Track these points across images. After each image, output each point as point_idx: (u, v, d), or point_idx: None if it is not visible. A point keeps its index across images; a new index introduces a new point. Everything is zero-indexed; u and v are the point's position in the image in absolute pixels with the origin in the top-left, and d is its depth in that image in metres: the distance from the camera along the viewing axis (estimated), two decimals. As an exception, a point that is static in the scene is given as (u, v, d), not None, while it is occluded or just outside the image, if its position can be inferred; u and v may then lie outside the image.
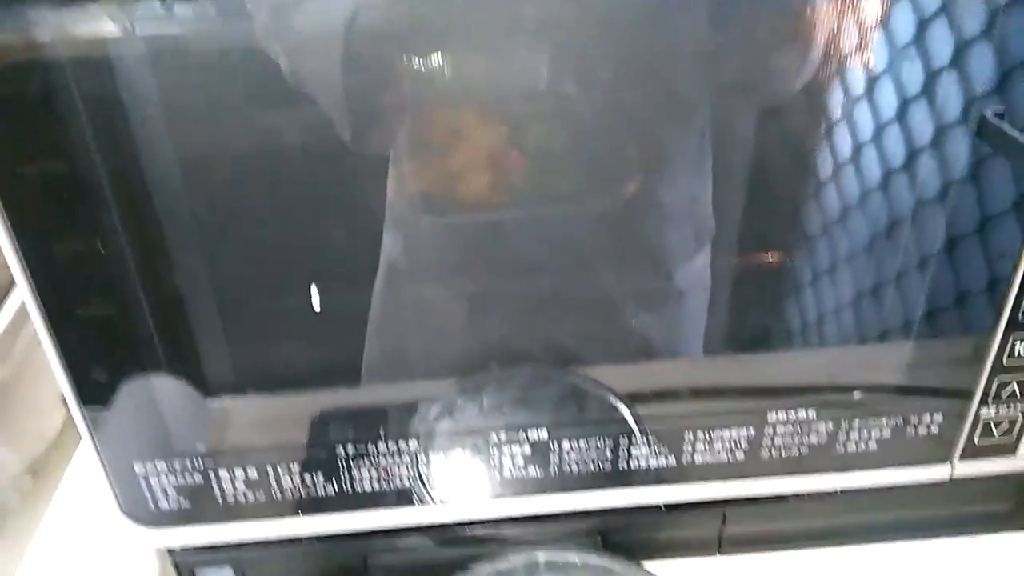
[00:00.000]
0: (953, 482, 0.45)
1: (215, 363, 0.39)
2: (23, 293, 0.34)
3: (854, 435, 0.43)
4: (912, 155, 0.37)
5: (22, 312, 0.47)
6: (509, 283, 0.41)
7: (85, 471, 0.47)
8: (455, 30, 0.33)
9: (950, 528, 0.49)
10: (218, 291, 0.38)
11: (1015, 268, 0.38)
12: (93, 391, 0.37)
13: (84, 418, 0.37)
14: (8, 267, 0.46)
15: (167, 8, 0.31)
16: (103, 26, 0.31)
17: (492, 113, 0.36)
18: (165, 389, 0.38)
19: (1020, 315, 0.39)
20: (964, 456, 0.44)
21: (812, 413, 0.42)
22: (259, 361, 0.41)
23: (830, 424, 0.42)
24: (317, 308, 0.38)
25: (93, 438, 0.38)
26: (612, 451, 0.43)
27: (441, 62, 0.33)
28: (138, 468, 0.39)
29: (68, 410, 0.51)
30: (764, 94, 0.37)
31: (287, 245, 0.38)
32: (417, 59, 0.33)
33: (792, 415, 0.42)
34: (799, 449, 0.43)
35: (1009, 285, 0.38)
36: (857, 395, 0.42)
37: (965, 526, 0.49)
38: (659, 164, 0.39)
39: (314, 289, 0.38)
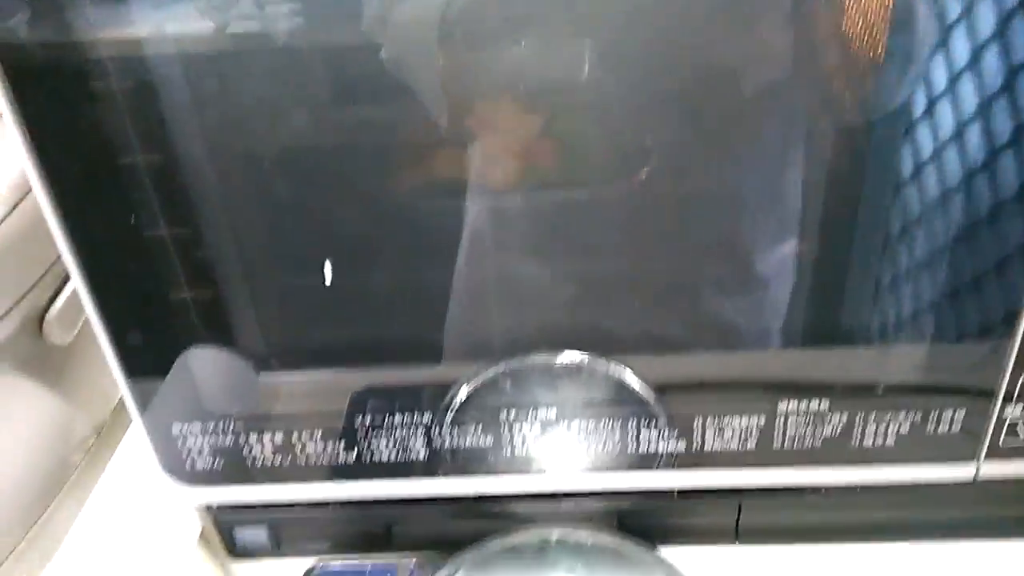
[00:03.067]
0: (977, 483, 0.44)
1: (249, 336, 0.42)
2: (69, 267, 0.38)
3: (871, 429, 0.43)
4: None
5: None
6: (576, 265, 0.42)
7: (139, 436, 0.51)
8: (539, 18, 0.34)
9: (973, 531, 0.48)
10: (253, 263, 0.41)
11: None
12: (134, 357, 0.41)
13: (126, 382, 0.41)
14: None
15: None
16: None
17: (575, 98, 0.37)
18: (201, 356, 0.41)
19: (1046, 311, 0.38)
20: (989, 456, 0.43)
21: (825, 404, 0.42)
22: (293, 335, 0.44)
23: (845, 416, 0.42)
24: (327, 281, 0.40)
25: (135, 402, 0.42)
26: (631, 434, 0.44)
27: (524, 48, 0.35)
28: (175, 429, 0.43)
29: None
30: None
31: (321, 220, 0.41)
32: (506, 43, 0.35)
33: (805, 406, 0.42)
34: (813, 440, 0.43)
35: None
36: (877, 391, 0.42)
37: (989, 529, 0.48)
38: (740, 152, 0.39)
39: (327, 265, 0.40)
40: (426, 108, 0.36)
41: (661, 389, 0.43)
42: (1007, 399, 0.41)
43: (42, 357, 0.49)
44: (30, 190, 0.49)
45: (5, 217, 0.46)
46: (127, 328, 0.40)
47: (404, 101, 0.36)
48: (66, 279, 0.50)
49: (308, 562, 0.48)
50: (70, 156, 0.36)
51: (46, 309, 0.49)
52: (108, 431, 0.55)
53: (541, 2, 0.34)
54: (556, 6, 0.34)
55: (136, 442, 0.51)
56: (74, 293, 0.49)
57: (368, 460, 0.45)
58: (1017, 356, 0.40)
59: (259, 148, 0.38)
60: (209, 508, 0.48)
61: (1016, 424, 0.42)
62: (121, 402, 0.56)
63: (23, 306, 0.47)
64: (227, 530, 0.49)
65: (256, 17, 0.34)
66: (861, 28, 0.34)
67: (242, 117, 0.37)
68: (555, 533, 0.47)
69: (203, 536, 0.49)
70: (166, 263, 0.39)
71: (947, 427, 0.42)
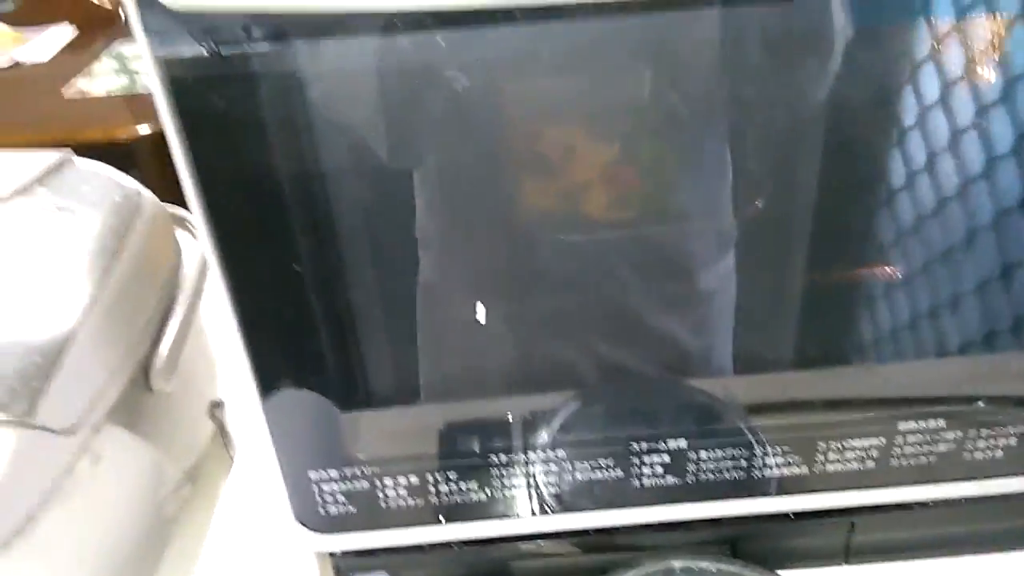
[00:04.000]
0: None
1: (379, 376, 0.42)
2: (223, 302, 0.37)
3: (981, 443, 0.44)
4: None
5: (181, 332, 0.51)
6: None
7: (242, 482, 0.50)
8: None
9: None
10: (384, 308, 0.41)
11: None
12: (274, 398, 0.40)
13: (268, 425, 0.40)
14: (168, 287, 0.50)
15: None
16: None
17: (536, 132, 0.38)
18: (334, 399, 0.41)
19: None
20: (1092, 464, 0.45)
21: (941, 422, 0.44)
22: (416, 375, 0.44)
23: (958, 432, 0.44)
24: (482, 320, 0.41)
25: (275, 446, 0.41)
26: (741, 460, 0.45)
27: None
28: (312, 475, 0.42)
29: (213, 423, 0.54)
30: (788, 104, 0.38)
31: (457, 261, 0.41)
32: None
33: (921, 424, 0.44)
34: (928, 457, 0.45)
35: None
36: (982, 404, 0.44)
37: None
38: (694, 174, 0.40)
39: (480, 305, 0.40)
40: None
41: (777, 408, 0.44)
42: (1108, 409, 0.43)
43: (145, 406, 0.48)
44: (125, 235, 0.49)
45: (110, 269, 0.45)
46: (274, 372, 0.39)
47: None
48: (163, 324, 0.49)
49: (426, 604, 0.48)
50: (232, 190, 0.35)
51: (149, 357, 0.47)
52: (200, 482, 0.53)
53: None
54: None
55: (240, 492, 0.50)
56: (174, 341, 0.48)
57: (493, 498, 0.45)
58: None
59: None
60: (332, 555, 0.47)
61: (1117, 433, 0.44)
62: (209, 448, 0.55)
63: (132, 355, 0.46)
64: (345, 577, 0.48)
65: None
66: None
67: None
68: (678, 563, 0.47)
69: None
70: (313, 304, 0.39)
71: (1052, 437, 0.44)
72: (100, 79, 1.45)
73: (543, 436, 0.44)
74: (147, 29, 0.31)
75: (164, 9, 0.30)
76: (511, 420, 0.44)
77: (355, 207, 0.38)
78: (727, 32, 0.34)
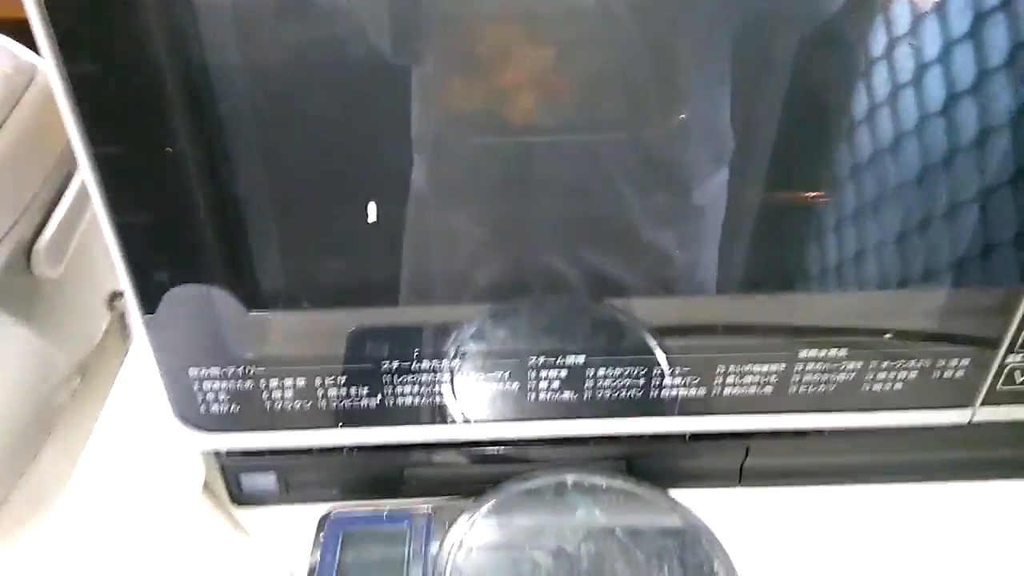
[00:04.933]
0: (974, 427, 0.46)
1: (267, 275, 0.40)
2: (92, 194, 0.35)
3: (882, 375, 0.44)
4: (952, 98, 0.37)
5: (72, 215, 0.48)
6: (538, 205, 0.42)
7: (133, 375, 0.48)
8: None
9: (969, 472, 0.51)
10: (274, 203, 0.39)
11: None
12: (153, 296, 0.38)
13: (144, 322, 0.39)
14: (61, 167, 0.47)
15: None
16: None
17: (534, 33, 0.36)
18: (219, 298, 0.39)
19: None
20: (985, 402, 0.45)
21: (843, 352, 0.43)
22: (309, 276, 0.42)
23: (859, 363, 0.44)
24: (372, 219, 0.39)
25: (151, 342, 0.39)
26: (642, 380, 0.44)
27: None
28: (192, 373, 0.41)
29: (112, 314, 0.53)
30: (794, 17, 0.37)
31: (340, 159, 0.39)
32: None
33: (823, 353, 0.43)
34: (827, 386, 0.44)
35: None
36: (888, 336, 0.43)
37: (984, 471, 0.51)
38: (688, 87, 0.39)
39: (372, 205, 0.38)
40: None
41: (674, 333, 0.43)
42: (1011, 348, 0.43)
43: (28, 292, 0.46)
44: (12, 109, 0.46)
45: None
46: (149, 263, 0.37)
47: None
48: (52, 208, 0.47)
49: (315, 508, 0.47)
50: (102, 70, 0.33)
51: (33, 240, 0.45)
52: (92, 373, 0.52)
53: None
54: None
55: (130, 385, 0.49)
56: (62, 223, 0.46)
57: (388, 405, 0.44)
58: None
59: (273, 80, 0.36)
60: (217, 454, 0.46)
61: (1015, 371, 0.44)
62: (103, 343, 0.53)
63: (11, 237, 0.43)
64: (233, 477, 0.48)
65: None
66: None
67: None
68: (570, 477, 0.47)
69: (206, 484, 0.48)
70: (192, 194, 0.36)
71: (951, 373, 0.44)
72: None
73: (445, 346, 0.43)
74: None
75: None
76: (422, 329, 0.43)
77: (242, 100, 0.36)
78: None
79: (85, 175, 0.35)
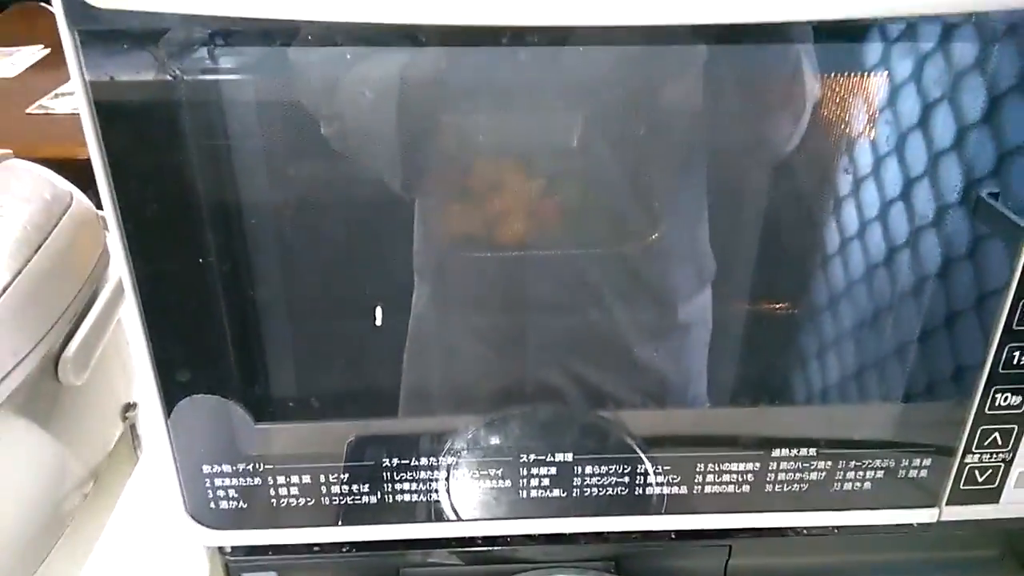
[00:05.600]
0: (942, 526, 0.48)
1: (279, 385, 0.44)
2: (128, 298, 0.39)
3: (850, 475, 0.47)
4: (915, 232, 0.43)
5: (97, 328, 0.52)
6: (533, 321, 0.46)
7: (144, 481, 0.51)
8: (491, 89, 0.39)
9: (940, 572, 0.53)
10: (290, 316, 0.43)
11: (995, 329, 0.43)
12: (174, 395, 0.42)
13: (165, 419, 0.42)
14: (91, 284, 0.52)
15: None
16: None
17: (527, 166, 0.41)
18: (233, 401, 0.43)
19: (999, 370, 0.44)
20: (951, 501, 0.48)
21: (812, 451, 0.46)
22: (316, 388, 0.46)
23: (828, 463, 0.47)
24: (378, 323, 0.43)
25: (170, 439, 0.43)
26: (627, 479, 0.47)
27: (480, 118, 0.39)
28: (206, 469, 0.44)
29: (124, 424, 0.56)
30: (759, 154, 0.42)
31: (349, 284, 0.44)
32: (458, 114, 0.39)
33: (793, 452, 0.46)
34: (800, 485, 0.47)
35: (990, 343, 0.43)
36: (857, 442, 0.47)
37: (954, 571, 0.53)
38: (671, 213, 0.44)
39: (378, 312, 0.43)
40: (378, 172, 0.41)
41: (658, 441, 0.46)
42: (968, 448, 0.46)
43: (51, 398, 0.49)
44: (51, 231, 0.50)
45: (30, 259, 0.47)
46: (174, 365, 0.41)
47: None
48: (80, 321, 0.51)
49: (314, 609, 0.49)
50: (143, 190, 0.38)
51: (61, 350, 0.49)
52: (104, 479, 0.54)
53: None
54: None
55: (139, 491, 0.51)
56: (88, 335, 0.50)
57: (385, 502, 0.46)
58: (977, 408, 0.45)
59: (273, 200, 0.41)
60: (222, 551, 0.48)
61: (975, 471, 0.47)
62: (115, 450, 0.56)
63: (44, 344, 0.47)
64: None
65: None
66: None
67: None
68: (561, 576, 0.49)
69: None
70: (217, 303, 0.41)
71: (915, 473, 0.47)
72: (66, 99, 1.47)
73: (443, 449, 0.46)
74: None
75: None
76: (419, 435, 0.46)
77: (269, 234, 0.41)
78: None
79: (125, 285, 0.39)
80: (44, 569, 0.49)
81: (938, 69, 0.38)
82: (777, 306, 0.48)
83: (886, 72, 0.39)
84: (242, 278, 0.41)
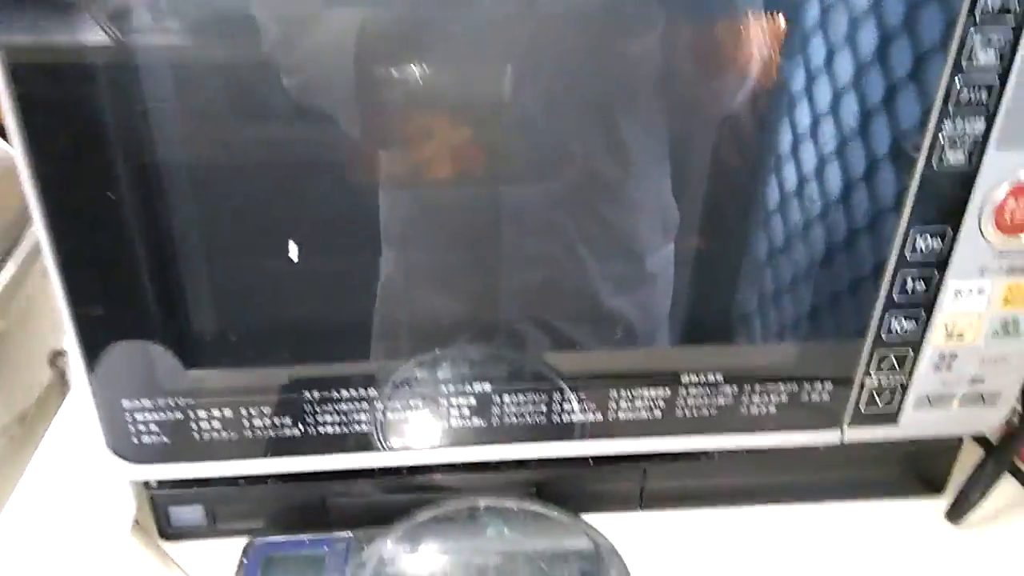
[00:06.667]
0: (846, 447, 0.51)
1: (200, 319, 0.45)
2: (40, 237, 0.39)
3: (756, 399, 0.49)
4: (821, 161, 0.44)
5: (19, 275, 0.52)
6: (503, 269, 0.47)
7: (69, 422, 0.51)
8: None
9: (845, 493, 0.56)
10: (208, 249, 0.44)
11: (889, 257, 0.45)
12: (91, 332, 0.42)
13: (82, 355, 0.42)
14: (13, 228, 0.51)
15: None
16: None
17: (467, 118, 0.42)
18: (152, 336, 0.43)
19: (895, 295, 0.46)
20: (853, 423, 0.51)
21: (719, 376, 0.49)
22: (240, 322, 0.46)
23: (735, 387, 0.49)
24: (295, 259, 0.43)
25: (89, 377, 0.43)
26: (544, 407, 0.49)
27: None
28: (125, 404, 0.44)
29: (53, 372, 0.56)
30: (709, 109, 0.43)
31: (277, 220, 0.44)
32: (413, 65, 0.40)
33: (701, 378, 0.48)
34: (709, 410, 0.49)
35: (884, 269, 0.45)
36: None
37: (858, 491, 0.56)
38: (635, 162, 0.45)
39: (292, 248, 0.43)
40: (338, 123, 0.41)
41: (575, 376, 0.48)
42: (867, 371, 0.49)
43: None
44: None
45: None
46: (89, 300, 0.41)
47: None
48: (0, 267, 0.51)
49: (242, 541, 0.50)
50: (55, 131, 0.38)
51: (-22, 294, 0.49)
52: (32, 422, 0.54)
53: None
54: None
55: (65, 429, 0.52)
56: (9, 282, 0.50)
57: (310, 435, 0.47)
58: (875, 332, 0.48)
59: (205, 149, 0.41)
60: (147, 485, 0.49)
61: (873, 393, 0.50)
62: (43, 396, 0.56)
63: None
64: (163, 510, 0.50)
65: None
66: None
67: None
68: (483, 501, 0.51)
69: (136, 520, 0.50)
70: (132, 239, 0.41)
71: (818, 397, 0.50)
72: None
73: (368, 382, 0.47)
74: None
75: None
76: (329, 365, 0.47)
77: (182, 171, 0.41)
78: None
79: (36, 220, 0.39)
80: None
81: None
82: (725, 255, 0.49)
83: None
84: (157, 212, 0.41)
